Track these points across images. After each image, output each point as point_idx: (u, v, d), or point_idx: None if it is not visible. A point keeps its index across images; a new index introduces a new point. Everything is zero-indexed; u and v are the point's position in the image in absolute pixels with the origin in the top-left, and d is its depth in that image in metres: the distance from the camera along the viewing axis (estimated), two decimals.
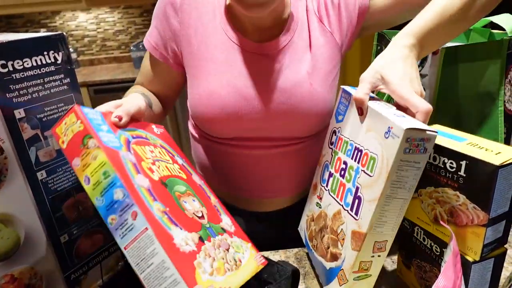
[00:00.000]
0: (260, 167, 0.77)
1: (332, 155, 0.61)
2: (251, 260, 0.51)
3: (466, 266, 0.52)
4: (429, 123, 0.49)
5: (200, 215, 0.50)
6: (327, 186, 0.61)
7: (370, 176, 0.50)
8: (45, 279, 0.58)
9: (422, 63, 0.70)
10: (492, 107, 0.69)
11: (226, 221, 0.54)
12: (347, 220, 0.54)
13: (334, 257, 0.56)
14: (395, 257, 0.72)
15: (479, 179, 0.50)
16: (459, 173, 0.52)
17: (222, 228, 0.52)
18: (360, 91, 0.53)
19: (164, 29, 0.74)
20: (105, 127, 0.49)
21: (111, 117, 0.54)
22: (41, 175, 0.56)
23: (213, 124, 0.73)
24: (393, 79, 0.51)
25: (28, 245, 0.55)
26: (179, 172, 0.53)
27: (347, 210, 0.54)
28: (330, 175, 0.60)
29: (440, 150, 0.54)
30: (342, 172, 0.57)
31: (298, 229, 0.71)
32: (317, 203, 0.64)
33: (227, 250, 0.49)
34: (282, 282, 0.53)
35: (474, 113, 0.69)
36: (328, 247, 0.58)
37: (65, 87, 0.58)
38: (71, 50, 2.78)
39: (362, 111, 0.53)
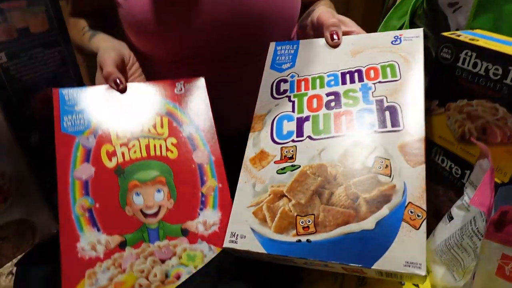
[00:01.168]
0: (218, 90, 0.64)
1: (293, 101, 0.49)
2: None
3: None
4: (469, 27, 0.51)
5: (153, 211, 0.43)
6: (301, 135, 0.45)
7: (396, 80, 0.45)
8: (15, 182, 0.50)
9: None
10: None
11: (205, 218, 0.44)
12: (381, 141, 0.42)
13: (380, 200, 0.38)
14: None
15: None
16: (504, 81, 0.44)
17: (184, 230, 0.43)
18: (332, 18, 0.51)
19: None
20: (81, 106, 0.47)
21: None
22: None
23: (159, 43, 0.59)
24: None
25: None
26: (167, 151, 0.46)
27: (374, 131, 0.43)
28: (303, 120, 0.46)
29: (484, 54, 0.45)
30: (332, 103, 0.46)
31: (225, 245, 0.41)
32: (285, 167, 0.43)
33: (162, 262, 0.41)
34: None
35: None
36: (357, 197, 0.39)
37: None
38: None
39: (338, 36, 0.50)
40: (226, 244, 0.41)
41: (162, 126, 0.47)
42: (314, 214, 0.39)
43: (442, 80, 0.48)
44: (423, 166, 0.39)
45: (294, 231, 0.39)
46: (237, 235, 0.41)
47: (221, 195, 0.45)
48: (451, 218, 0.42)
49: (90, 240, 0.41)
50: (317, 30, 0.54)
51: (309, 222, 0.39)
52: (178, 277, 0.40)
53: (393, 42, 0.48)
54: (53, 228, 0.57)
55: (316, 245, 0.37)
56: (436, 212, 0.55)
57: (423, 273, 0.34)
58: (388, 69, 0.46)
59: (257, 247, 0.39)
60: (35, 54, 0.50)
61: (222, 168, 0.46)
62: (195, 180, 0.45)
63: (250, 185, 0.44)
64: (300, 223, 0.39)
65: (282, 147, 0.45)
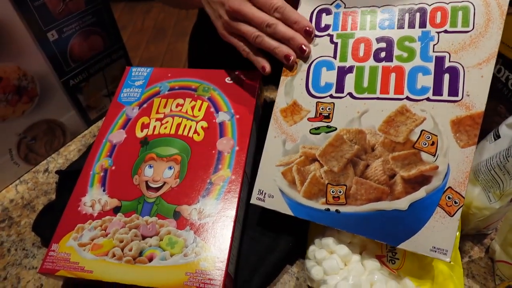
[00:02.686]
0: None
1: (335, 42, 0.40)
2: (174, 271, 0.37)
3: None
4: None
5: (156, 186, 0.43)
6: (341, 91, 0.39)
7: (467, 31, 0.36)
8: (38, 82, 0.51)
9: None
10: None
11: (203, 206, 0.41)
12: (432, 112, 0.36)
13: (418, 181, 0.36)
14: None
15: None
16: None
17: (177, 212, 0.41)
18: None
19: None
20: (140, 82, 0.52)
21: None
22: None
23: None
24: None
25: (6, 39, 0.46)
26: (195, 133, 0.46)
27: (426, 98, 0.36)
28: (345, 71, 0.39)
29: None
30: (382, 53, 0.38)
31: (252, 202, 0.41)
32: (319, 127, 0.39)
33: (143, 238, 0.40)
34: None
35: None
36: (394, 174, 0.36)
37: None
38: None
39: None
40: (253, 200, 0.40)
41: (199, 110, 0.48)
42: (346, 185, 0.37)
43: None
44: (473, 148, 0.34)
45: (324, 199, 0.37)
46: (265, 193, 0.40)
47: (229, 188, 0.42)
48: (497, 136, 0.39)
49: (93, 198, 0.42)
50: None
51: (340, 192, 0.37)
52: (150, 259, 0.38)
53: None
54: (82, 128, 0.58)
55: (345, 217, 0.37)
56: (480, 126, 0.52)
57: (448, 259, 0.34)
58: (460, 14, 0.37)
59: (285, 209, 0.39)
60: None
61: (243, 161, 0.43)
62: (209, 166, 0.43)
63: (280, 141, 0.40)
64: (331, 192, 0.37)
65: (318, 102, 0.39)
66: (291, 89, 0.41)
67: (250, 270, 0.40)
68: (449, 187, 0.34)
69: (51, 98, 0.53)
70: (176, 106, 0.49)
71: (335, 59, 0.40)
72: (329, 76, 0.39)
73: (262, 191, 0.40)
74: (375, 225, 0.36)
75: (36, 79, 0.50)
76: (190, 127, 0.47)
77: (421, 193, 0.35)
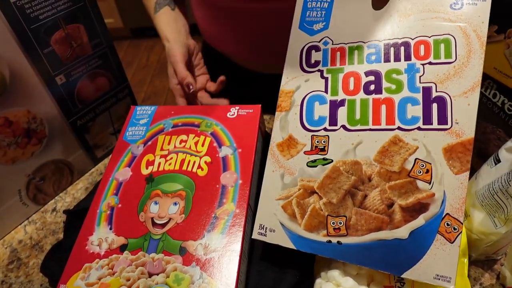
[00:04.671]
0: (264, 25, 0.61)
1: (326, 77, 0.42)
2: None
3: None
4: None
5: (162, 222, 0.43)
6: (334, 123, 0.40)
7: (450, 62, 0.38)
8: (47, 123, 0.52)
9: None
10: None
11: (208, 241, 0.41)
12: (424, 141, 0.37)
13: (416, 209, 0.36)
14: None
15: None
16: None
17: (183, 248, 0.41)
18: None
19: None
20: (145, 121, 0.54)
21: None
22: None
23: None
24: None
25: (17, 85, 0.48)
26: (199, 168, 0.47)
27: (417, 128, 0.37)
28: (337, 104, 0.40)
29: None
30: (371, 86, 0.40)
31: (254, 237, 0.41)
32: (316, 160, 0.40)
33: (150, 275, 0.39)
34: None
35: None
36: (392, 203, 0.36)
37: None
38: None
39: None
40: (255, 236, 0.41)
41: (203, 145, 0.49)
42: (346, 216, 0.37)
43: (505, 1, 0.41)
44: (467, 174, 0.35)
45: (325, 231, 0.37)
46: (266, 228, 0.40)
47: (234, 221, 0.42)
48: (498, 161, 0.39)
49: (100, 236, 0.43)
50: None
51: (340, 224, 0.37)
52: None
53: (453, 6, 0.39)
54: (89, 166, 0.60)
55: (347, 248, 0.37)
56: (481, 151, 0.52)
57: (452, 286, 0.34)
58: (442, 46, 0.38)
59: (287, 243, 0.39)
60: None
61: (247, 194, 0.44)
62: (214, 200, 0.44)
63: (278, 176, 0.41)
64: (331, 223, 0.37)
65: (313, 135, 0.40)
66: (286, 124, 0.42)
67: None
68: (447, 214, 0.35)
69: (59, 138, 0.54)
70: (180, 143, 0.50)
71: (327, 93, 0.41)
72: (322, 110, 0.41)
73: (263, 225, 0.40)
74: (378, 255, 0.36)
75: (45, 121, 0.52)
76: (194, 162, 0.47)
77: (420, 221, 0.35)
